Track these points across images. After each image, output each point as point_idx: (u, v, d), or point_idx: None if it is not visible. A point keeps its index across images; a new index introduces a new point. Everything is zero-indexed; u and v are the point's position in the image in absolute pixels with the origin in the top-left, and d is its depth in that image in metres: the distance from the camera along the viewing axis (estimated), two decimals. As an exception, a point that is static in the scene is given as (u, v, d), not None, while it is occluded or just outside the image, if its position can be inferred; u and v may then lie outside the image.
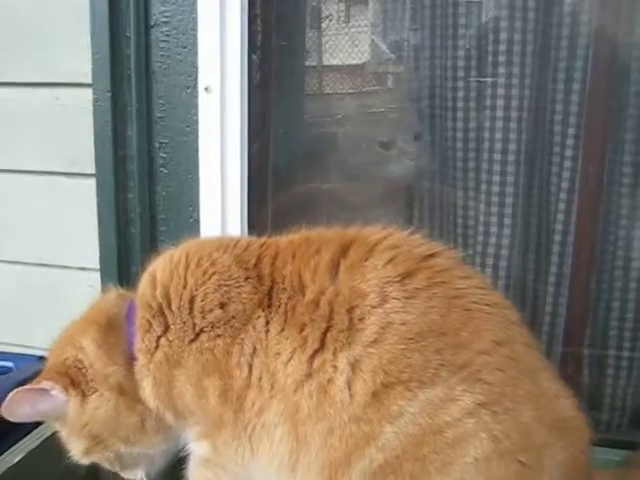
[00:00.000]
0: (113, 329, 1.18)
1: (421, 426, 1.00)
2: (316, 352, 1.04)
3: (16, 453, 1.45)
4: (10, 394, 1.12)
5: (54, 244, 1.85)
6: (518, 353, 1.07)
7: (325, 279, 1.08)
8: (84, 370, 1.15)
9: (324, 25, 2.03)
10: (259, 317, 1.08)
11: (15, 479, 1.40)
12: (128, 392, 1.15)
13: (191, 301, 1.11)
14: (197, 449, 1.18)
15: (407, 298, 1.04)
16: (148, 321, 1.13)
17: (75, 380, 1.14)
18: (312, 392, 1.04)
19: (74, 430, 1.17)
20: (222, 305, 1.10)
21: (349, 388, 1.02)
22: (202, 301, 1.11)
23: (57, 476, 1.50)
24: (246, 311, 1.09)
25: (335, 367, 1.03)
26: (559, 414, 1.08)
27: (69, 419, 1.16)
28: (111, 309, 1.21)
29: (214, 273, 1.12)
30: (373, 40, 1.99)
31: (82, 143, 1.73)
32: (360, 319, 1.04)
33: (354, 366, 1.02)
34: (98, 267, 1.78)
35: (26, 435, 1.52)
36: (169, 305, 1.13)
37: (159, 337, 1.12)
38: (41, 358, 1.90)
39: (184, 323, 1.11)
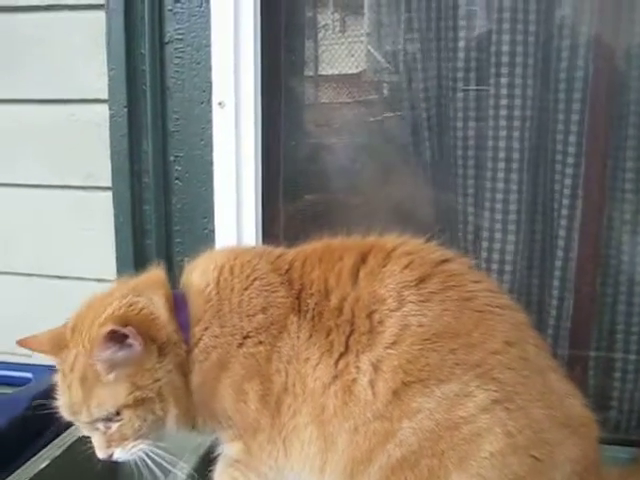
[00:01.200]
0: (172, 307, 1.18)
1: (437, 421, 1.06)
2: (341, 355, 1.11)
3: (41, 460, 1.49)
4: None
5: (71, 256, 1.90)
6: (529, 353, 1.13)
7: (347, 285, 1.15)
8: (159, 326, 1.14)
9: (320, 35, 2.07)
10: (292, 323, 1.14)
11: (40, 486, 1.45)
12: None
13: (239, 305, 1.16)
14: (229, 450, 1.22)
15: (422, 301, 1.11)
16: (209, 320, 1.16)
17: (151, 332, 1.12)
18: (337, 392, 1.10)
19: (134, 378, 1.11)
20: (264, 310, 1.15)
21: (372, 387, 1.08)
22: (247, 305, 1.16)
23: (80, 482, 1.55)
24: (282, 315, 1.15)
25: (358, 368, 1.09)
26: (569, 412, 1.13)
27: (136, 367, 1.11)
28: (168, 286, 1.22)
29: (255, 279, 1.18)
30: (369, 50, 2.03)
31: (98, 157, 1.78)
32: (379, 322, 1.10)
33: (376, 366, 1.09)
34: (114, 278, 1.83)
35: (50, 443, 1.57)
36: (222, 307, 1.17)
37: (216, 337, 1.15)
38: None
39: (234, 326, 1.15)
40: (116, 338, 1.06)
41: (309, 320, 1.14)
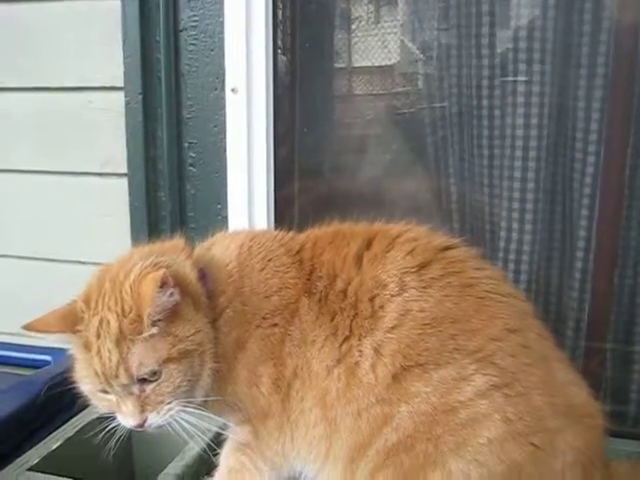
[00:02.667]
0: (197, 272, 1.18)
1: (433, 404, 1.06)
2: (345, 339, 1.13)
3: (54, 440, 1.54)
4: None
5: (88, 242, 1.94)
6: (530, 341, 1.13)
7: (352, 269, 1.17)
8: (189, 282, 1.14)
9: (353, 26, 2.07)
10: (303, 305, 1.17)
11: (53, 465, 1.47)
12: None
13: (257, 285, 1.18)
14: (237, 434, 1.24)
15: (424, 287, 1.12)
16: (232, 295, 1.17)
17: (184, 286, 1.11)
18: (341, 375, 1.12)
19: (176, 330, 1.09)
20: (279, 290, 1.17)
21: (373, 371, 1.10)
22: (265, 286, 1.18)
23: (92, 463, 1.59)
24: (294, 297, 1.17)
25: (361, 351, 1.11)
26: (572, 401, 1.13)
27: (177, 317, 1.10)
28: (191, 252, 1.22)
29: (270, 260, 1.21)
30: (402, 41, 2.04)
31: (114, 144, 1.83)
32: (381, 307, 1.12)
33: (377, 350, 1.11)
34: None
35: (63, 424, 1.62)
36: (243, 285, 1.18)
37: (238, 314, 1.17)
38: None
39: (253, 306, 1.17)
40: (159, 288, 1.05)
41: (317, 302, 1.16)
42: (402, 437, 1.08)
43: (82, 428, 1.60)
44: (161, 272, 1.05)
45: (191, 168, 1.78)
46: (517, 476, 1.05)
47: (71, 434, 1.57)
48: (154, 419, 1.10)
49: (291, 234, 1.29)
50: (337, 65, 2.14)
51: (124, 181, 1.83)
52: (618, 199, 1.77)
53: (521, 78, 1.75)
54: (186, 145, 1.79)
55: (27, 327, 1.16)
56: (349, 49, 2.08)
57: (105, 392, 1.11)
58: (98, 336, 1.07)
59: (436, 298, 1.11)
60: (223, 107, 1.73)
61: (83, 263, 1.96)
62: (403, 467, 1.08)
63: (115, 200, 1.86)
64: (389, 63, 2.06)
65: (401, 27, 2.02)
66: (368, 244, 1.19)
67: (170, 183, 1.77)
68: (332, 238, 1.22)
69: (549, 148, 1.78)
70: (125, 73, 1.75)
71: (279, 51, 2.06)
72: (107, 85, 1.81)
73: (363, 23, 2.06)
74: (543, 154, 1.78)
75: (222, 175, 1.75)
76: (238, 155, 1.71)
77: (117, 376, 1.06)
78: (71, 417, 1.66)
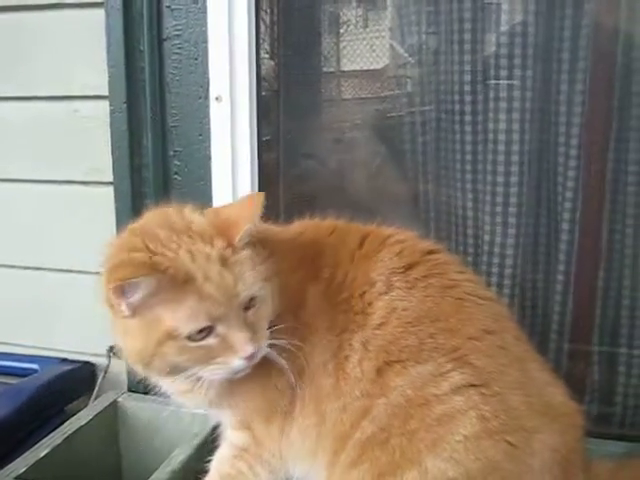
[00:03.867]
0: None
1: (408, 397, 1.11)
2: (341, 332, 1.17)
3: (42, 448, 1.57)
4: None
5: (74, 250, 1.97)
6: (507, 343, 1.17)
7: (348, 264, 1.22)
8: None
9: (342, 30, 2.12)
10: (309, 291, 1.19)
11: (40, 473, 1.51)
12: None
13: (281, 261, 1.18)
14: (234, 438, 1.26)
15: (408, 288, 1.18)
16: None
17: None
18: (333, 370, 1.16)
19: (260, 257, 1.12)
20: (292, 271, 1.20)
21: (360, 365, 1.15)
22: (285, 265, 1.19)
23: (80, 471, 1.63)
24: (302, 281, 1.20)
25: (351, 345, 1.16)
26: (549, 401, 1.17)
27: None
28: None
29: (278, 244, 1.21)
30: (391, 44, 2.07)
31: (100, 153, 1.85)
32: (369, 304, 1.17)
33: (364, 346, 1.15)
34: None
35: (51, 432, 1.65)
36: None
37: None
38: (64, 360, 2.04)
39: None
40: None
41: (321, 290, 1.20)
42: (376, 430, 1.12)
43: (70, 436, 1.64)
44: (262, 193, 1.11)
45: (176, 176, 1.81)
46: (493, 474, 1.08)
47: (59, 442, 1.60)
48: (261, 347, 1.08)
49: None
50: (324, 69, 2.19)
51: (110, 189, 1.86)
52: (600, 201, 1.81)
53: (503, 81, 1.79)
54: (171, 153, 1.82)
55: (116, 280, 1.00)
56: (337, 53, 2.13)
57: (207, 332, 1.03)
58: (199, 267, 1.03)
59: (418, 298, 1.17)
60: (207, 115, 1.76)
61: (69, 271, 1.99)
62: (379, 463, 1.11)
63: (101, 208, 1.88)
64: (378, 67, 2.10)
65: (389, 31, 2.06)
66: (361, 242, 1.24)
67: (155, 191, 1.80)
68: (332, 230, 1.28)
69: (531, 153, 1.82)
70: (109, 82, 1.78)
71: (267, 56, 2.12)
72: (92, 94, 1.84)
73: (351, 27, 2.11)
74: (526, 158, 1.81)
75: (207, 183, 1.79)
76: (223, 163, 1.75)
77: (237, 295, 1.04)
78: (58, 425, 1.70)
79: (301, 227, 1.31)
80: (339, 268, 1.21)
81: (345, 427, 1.15)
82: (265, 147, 1.96)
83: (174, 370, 1.07)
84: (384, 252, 1.22)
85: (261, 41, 2.03)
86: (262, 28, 2.04)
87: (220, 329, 1.04)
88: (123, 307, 1.02)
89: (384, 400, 1.13)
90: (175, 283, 1.01)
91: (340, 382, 1.16)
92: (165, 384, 1.22)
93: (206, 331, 1.03)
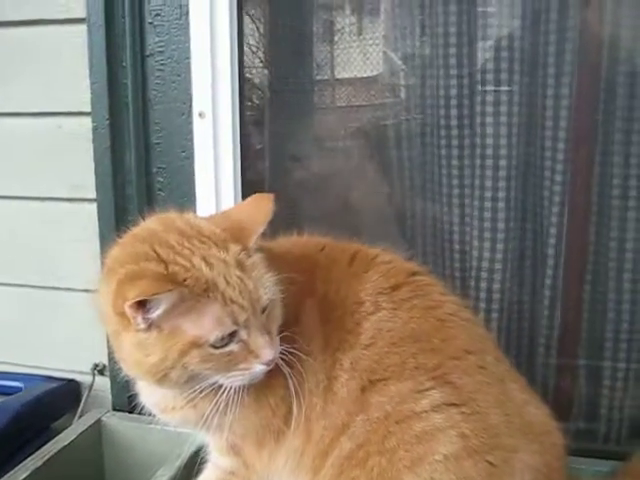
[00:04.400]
0: None
1: (386, 412, 1.11)
2: (334, 351, 1.17)
3: (22, 471, 1.56)
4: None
5: (59, 267, 1.97)
6: (488, 363, 1.19)
7: (340, 282, 1.22)
8: None
9: (336, 38, 2.13)
10: (306, 305, 1.19)
11: (21, 496, 1.51)
12: None
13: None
14: (222, 462, 1.26)
15: (393, 309, 1.19)
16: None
17: None
18: (322, 390, 1.16)
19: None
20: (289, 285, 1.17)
21: (347, 385, 1.15)
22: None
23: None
24: (298, 295, 1.18)
25: (342, 365, 1.16)
26: (529, 420, 1.18)
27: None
28: None
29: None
30: (385, 52, 2.09)
31: (84, 169, 1.85)
32: (358, 323, 1.18)
33: (352, 365, 1.15)
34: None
35: (30, 455, 1.64)
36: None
37: None
38: (49, 378, 2.04)
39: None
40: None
41: (317, 305, 1.20)
42: (355, 447, 1.12)
43: (51, 457, 1.63)
44: (271, 195, 1.11)
45: (160, 193, 1.81)
46: (473, 495, 1.07)
47: (39, 464, 1.59)
48: (277, 350, 1.07)
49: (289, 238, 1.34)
50: (318, 77, 2.20)
51: (93, 206, 1.86)
52: (586, 215, 1.82)
53: (490, 88, 1.79)
54: (154, 170, 1.82)
55: (136, 297, 0.96)
56: (331, 61, 2.15)
57: (229, 340, 1.02)
58: (218, 273, 1.01)
59: (403, 319, 1.18)
60: (191, 132, 1.76)
61: (54, 289, 1.99)
62: None
63: (85, 225, 1.89)
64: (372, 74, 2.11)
65: (383, 38, 2.08)
66: (350, 261, 1.25)
67: (139, 208, 1.79)
68: (322, 246, 1.28)
69: (518, 167, 1.83)
70: (92, 98, 1.78)
71: (260, 64, 2.14)
72: (75, 110, 1.84)
73: (345, 35, 2.12)
74: (513, 172, 1.82)
75: (191, 199, 1.78)
76: (206, 179, 1.75)
77: (259, 299, 1.04)
78: (42, 444, 1.69)
79: (290, 243, 1.31)
80: (332, 284, 1.21)
81: (325, 444, 1.15)
82: (254, 157, 1.97)
83: (192, 380, 1.05)
84: (372, 272, 1.23)
85: (254, 49, 2.07)
86: (256, 36, 2.11)
87: (242, 334, 1.03)
88: (139, 321, 0.99)
89: (363, 416, 1.13)
90: (195, 292, 0.99)
91: (328, 402, 1.16)
92: (150, 402, 1.21)
93: (228, 337, 1.02)
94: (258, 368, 1.05)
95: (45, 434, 1.88)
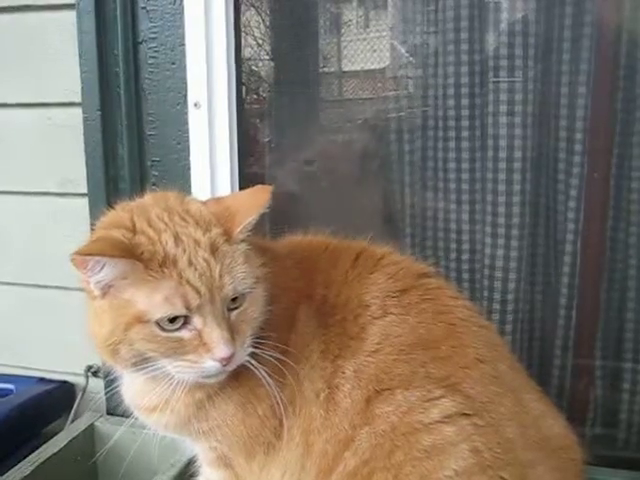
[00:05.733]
0: None
1: (393, 424, 1.04)
2: (335, 358, 1.10)
3: (11, 479, 1.51)
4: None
5: (51, 265, 1.91)
6: (501, 372, 1.12)
7: (341, 284, 1.16)
8: None
9: (343, 31, 2.11)
10: (303, 311, 1.13)
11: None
12: None
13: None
14: (212, 477, 1.20)
15: (402, 314, 1.12)
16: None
17: None
18: (325, 399, 1.09)
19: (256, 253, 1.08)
20: (283, 291, 1.13)
21: (350, 395, 1.08)
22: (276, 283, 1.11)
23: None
24: (294, 300, 1.14)
25: (344, 373, 1.09)
26: (545, 433, 1.11)
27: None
28: None
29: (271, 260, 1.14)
30: (392, 44, 2.05)
31: (75, 162, 1.79)
32: (363, 328, 1.11)
33: (357, 374, 1.09)
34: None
35: (20, 461, 1.59)
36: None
37: None
38: (42, 380, 1.98)
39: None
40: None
41: (315, 310, 1.14)
42: (359, 463, 1.05)
43: (40, 465, 1.58)
44: (269, 187, 1.06)
45: (154, 187, 1.74)
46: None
47: (27, 472, 1.55)
48: (240, 353, 1.01)
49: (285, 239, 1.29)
50: (324, 70, 2.16)
51: (85, 201, 1.80)
52: (604, 210, 1.77)
53: (504, 77, 1.73)
54: (148, 163, 1.76)
55: (79, 252, 0.95)
56: (338, 53, 2.12)
57: (181, 324, 0.97)
58: (184, 250, 0.98)
59: (411, 324, 1.11)
60: (186, 123, 1.70)
61: (45, 287, 1.94)
62: None
63: (76, 221, 1.82)
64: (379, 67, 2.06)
65: (390, 31, 2.04)
66: (354, 262, 1.19)
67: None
68: (325, 247, 1.22)
69: (534, 159, 1.76)
70: (82, 88, 1.72)
71: (267, 57, 2.10)
72: (65, 101, 1.78)
73: (352, 27, 2.10)
74: (527, 165, 1.76)
75: (186, 194, 1.71)
76: (202, 173, 1.69)
77: (222, 287, 0.98)
78: (35, 449, 1.65)
79: (293, 244, 1.26)
80: (332, 288, 1.15)
81: (328, 459, 1.09)
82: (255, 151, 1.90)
83: (140, 361, 1.00)
84: (378, 274, 1.17)
85: (260, 41, 2.04)
86: (262, 28, 2.08)
87: (196, 322, 0.97)
88: (92, 286, 0.98)
89: (367, 429, 1.06)
90: (151, 266, 0.96)
91: (330, 413, 1.09)
92: (128, 396, 1.17)
93: (180, 322, 0.96)
94: (209, 364, 0.98)
95: (37, 439, 1.82)
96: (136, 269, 0.96)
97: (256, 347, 1.04)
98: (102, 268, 0.96)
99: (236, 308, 1.01)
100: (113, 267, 0.95)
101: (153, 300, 0.95)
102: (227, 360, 0.98)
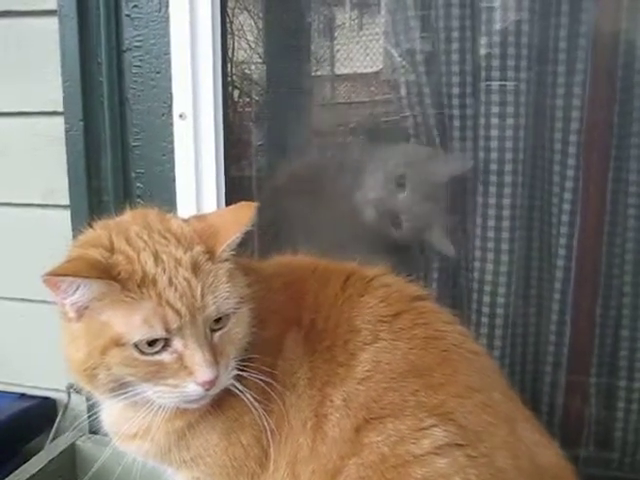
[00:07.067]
0: None
1: (383, 456, 0.99)
2: (323, 385, 1.06)
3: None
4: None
5: (34, 278, 1.85)
6: (495, 401, 1.07)
7: (330, 308, 1.11)
8: None
9: (336, 34, 2.09)
10: (290, 336, 1.09)
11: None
12: None
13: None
14: None
15: (393, 339, 1.08)
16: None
17: None
18: (310, 430, 1.05)
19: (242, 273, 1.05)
20: (272, 313, 1.09)
21: (339, 424, 1.03)
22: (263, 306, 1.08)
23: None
24: (282, 326, 1.09)
25: (332, 402, 1.05)
26: (540, 462, 1.07)
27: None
28: None
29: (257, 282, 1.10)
30: (385, 48, 2.01)
31: (57, 173, 1.74)
32: (353, 354, 1.06)
33: (346, 402, 1.04)
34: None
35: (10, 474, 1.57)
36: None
37: None
38: (22, 396, 1.93)
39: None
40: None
41: (303, 336, 1.09)
42: None
43: (30, 477, 1.53)
44: (254, 203, 1.02)
45: (139, 200, 1.70)
46: None
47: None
48: (224, 376, 0.96)
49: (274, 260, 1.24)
50: (317, 73, 2.14)
51: (68, 213, 1.75)
52: (599, 224, 1.74)
53: (496, 84, 1.71)
54: (133, 175, 1.72)
55: (51, 273, 0.93)
56: (332, 56, 2.10)
57: (161, 346, 0.93)
58: (164, 270, 0.93)
59: (403, 351, 1.07)
60: (171, 134, 1.66)
61: (27, 300, 1.88)
62: None
63: (60, 233, 1.76)
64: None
65: (384, 34, 2.01)
66: (344, 284, 1.14)
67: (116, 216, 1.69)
68: (313, 269, 1.18)
69: (526, 171, 1.73)
70: (65, 98, 1.68)
71: (260, 60, 2.10)
72: (48, 110, 1.73)
73: (346, 31, 2.09)
74: (519, 179, 1.72)
75: (171, 207, 1.66)
76: (187, 185, 1.65)
77: (204, 308, 0.94)
78: (8, 473, 1.60)
79: (281, 264, 1.21)
80: (321, 312, 1.11)
81: None
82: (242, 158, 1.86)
83: (119, 386, 0.96)
84: (368, 296, 1.12)
85: (253, 45, 2.02)
86: (254, 32, 2.07)
87: (177, 345, 0.93)
88: (67, 308, 0.95)
89: (355, 460, 1.01)
90: (129, 286, 0.92)
91: (317, 443, 1.04)
92: (108, 423, 1.12)
93: (160, 345, 0.93)
94: (191, 388, 0.94)
95: (17, 457, 1.77)
96: (113, 290, 0.92)
97: (241, 370, 1.00)
98: (76, 289, 0.92)
99: (220, 329, 0.97)
100: (88, 288, 0.92)
101: (131, 322, 0.91)
102: (210, 384, 0.94)
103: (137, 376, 0.94)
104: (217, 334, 0.97)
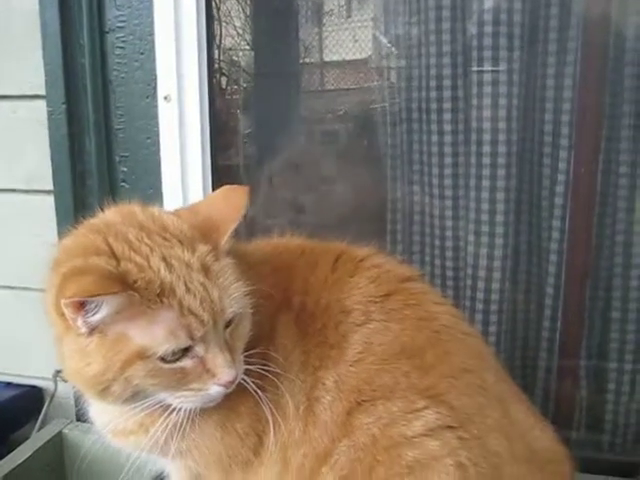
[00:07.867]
0: None
1: (374, 437, 0.97)
2: (315, 369, 1.04)
3: (-9, 478, 1.46)
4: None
5: (18, 266, 1.83)
6: (488, 382, 1.06)
7: (320, 290, 1.09)
8: None
9: (325, 20, 2.07)
10: (280, 322, 1.07)
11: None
12: None
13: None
14: None
15: (385, 320, 1.06)
16: None
17: None
18: (302, 414, 1.03)
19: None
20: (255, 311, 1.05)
21: (331, 407, 1.02)
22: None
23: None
24: (273, 311, 1.07)
25: (324, 384, 1.03)
26: (533, 446, 1.06)
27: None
28: None
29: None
30: (374, 35, 2.00)
31: (40, 158, 1.71)
32: (344, 336, 1.05)
33: (337, 385, 1.02)
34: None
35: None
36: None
37: None
38: (9, 384, 1.90)
39: None
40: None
41: (294, 320, 1.07)
42: (337, 479, 0.99)
43: (4, 477, 1.52)
44: (246, 187, 1.00)
45: (123, 184, 1.68)
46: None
47: (8, 470, 1.50)
48: (240, 371, 0.96)
49: (260, 243, 1.21)
50: (305, 60, 2.12)
51: (52, 198, 1.72)
52: (590, 207, 1.71)
53: (487, 68, 1.67)
54: (117, 159, 1.69)
55: (75, 295, 0.85)
56: (320, 43, 2.08)
57: (182, 353, 0.91)
58: (179, 277, 0.90)
59: (394, 332, 1.05)
60: (156, 116, 1.63)
61: (11, 288, 1.86)
62: None
63: (43, 219, 1.75)
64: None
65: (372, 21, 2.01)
66: (333, 265, 1.12)
67: (100, 200, 1.62)
68: (301, 251, 1.15)
69: (519, 153, 1.70)
70: (46, 81, 1.64)
71: (247, 47, 2.08)
72: (30, 93, 1.70)
73: (334, 17, 2.07)
74: (513, 160, 1.69)
75: (157, 191, 1.65)
76: (173, 169, 1.62)
77: (223, 312, 0.92)
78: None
79: (268, 248, 1.18)
80: (312, 294, 1.09)
81: (305, 475, 1.02)
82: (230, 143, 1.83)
83: (138, 396, 0.94)
84: (359, 277, 1.10)
85: (240, 31, 1.99)
86: (242, 18, 2.05)
87: (198, 350, 0.92)
88: (79, 323, 0.89)
89: (346, 442, 1.00)
90: (146, 296, 0.88)
91: (309, 426, 1.03)
92: (100, 421, 1.08)
93: (181, 352, 0.91)
94: (214, 390, 0.94)
95: (4, 445, 1.75)
96: (133, 301, 0.87)
97: (247, 363, 0.99)
98: (100, 307, 0.87)
99: (229, 326, 0.96)
100: (111, 304, 0.87)
101: (154, 334, 0.88)
102: (232, 383, 0.94)
103: (160, 385, 0.92)
104: (227, 331, 0.96)
